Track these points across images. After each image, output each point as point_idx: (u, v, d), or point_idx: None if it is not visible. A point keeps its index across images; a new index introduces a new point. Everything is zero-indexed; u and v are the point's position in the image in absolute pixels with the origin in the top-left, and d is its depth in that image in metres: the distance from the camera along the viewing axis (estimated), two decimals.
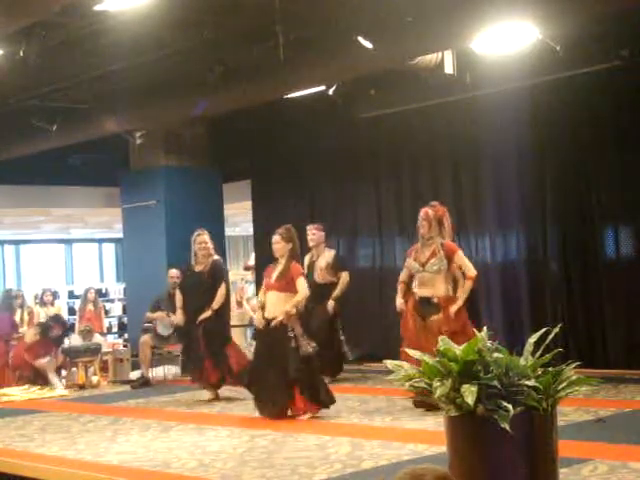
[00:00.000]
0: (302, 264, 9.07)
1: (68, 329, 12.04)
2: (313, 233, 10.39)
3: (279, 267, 8.28)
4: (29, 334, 11.60)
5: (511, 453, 4.31)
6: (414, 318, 7.99)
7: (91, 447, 7.32)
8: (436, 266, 7.97)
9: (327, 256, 10.35)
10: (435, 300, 7.95)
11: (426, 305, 7.96)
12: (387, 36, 8.56)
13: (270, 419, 8.03)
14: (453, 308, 8.04)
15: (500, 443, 4.25)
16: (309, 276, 10.17)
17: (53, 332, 11.47)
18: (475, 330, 7.72)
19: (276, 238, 8.32)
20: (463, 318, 7.93)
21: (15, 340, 11.97)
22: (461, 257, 8.15)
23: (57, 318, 11.98)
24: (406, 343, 7.93)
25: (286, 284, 8.18)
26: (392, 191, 11.72)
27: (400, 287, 8.55)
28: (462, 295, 8.07)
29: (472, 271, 8.15)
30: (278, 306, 8.14)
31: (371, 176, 12.15)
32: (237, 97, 10.33)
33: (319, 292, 9.88)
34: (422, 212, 8.19)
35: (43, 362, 11.32)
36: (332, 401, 8.16)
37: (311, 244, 10.39)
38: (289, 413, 8.13)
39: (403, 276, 8.53)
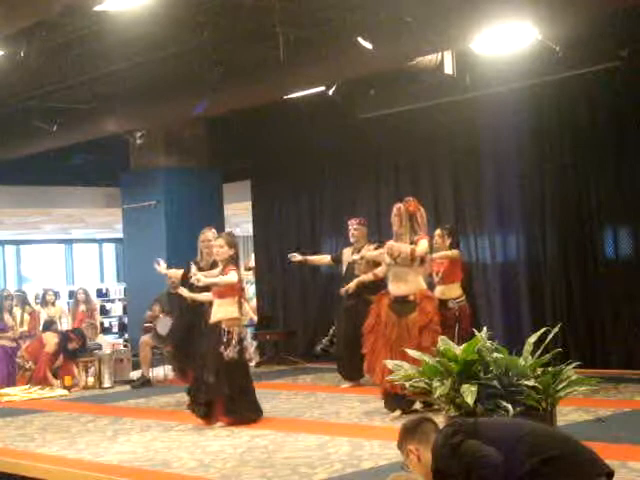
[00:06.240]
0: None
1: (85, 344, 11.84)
2: (355, 228, 9.72)
3: (216, 273, 8.11)
4: (51, 341, 11.33)
5: None
6: (388, 316, 7.86)
7: (91, 447, 7.32)
8: (406, 261, 7.80)
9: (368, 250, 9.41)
10: (411, 298, 7.83)
11: (401, 303, 7.80)
12: (387, 36, 8.57)
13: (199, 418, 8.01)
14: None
15: None
16: (348, 272, 9.83)
17: (71, 344, 11.38)
18: (438, 327, 7.78)
19: (221, 242, 8.04)
20: (431, 312, 7.81)
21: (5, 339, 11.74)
22: (422, 243, 7.86)
23: (79, 332, 11.81)
24: (370, 338, 7.92)
25: (224, 290, 7.95)
26: (392, 191, 11.71)
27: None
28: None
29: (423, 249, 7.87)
30: (220, 311, 7.98)
31: (371, 176, 12.15)
32: (237, 97, 10.34)
33: (361, 288, 9.51)
34: (395, 208, 8.06)
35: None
36: (255, 417, 8.01)
37: (352, 240, 9.78)
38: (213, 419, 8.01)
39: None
